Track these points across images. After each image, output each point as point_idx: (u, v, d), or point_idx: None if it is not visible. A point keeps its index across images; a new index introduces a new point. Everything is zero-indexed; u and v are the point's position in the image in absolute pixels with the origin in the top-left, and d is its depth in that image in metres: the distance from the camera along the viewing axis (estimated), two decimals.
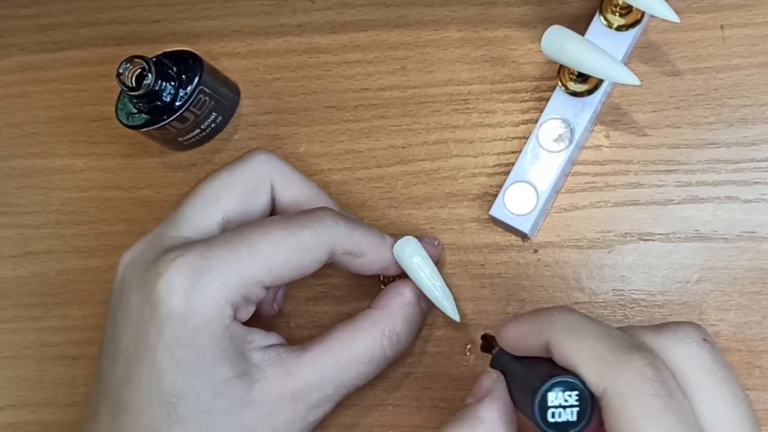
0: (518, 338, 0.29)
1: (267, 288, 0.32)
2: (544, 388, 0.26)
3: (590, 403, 0.26)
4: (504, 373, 0.30)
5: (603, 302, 0.37)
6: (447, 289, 0.36)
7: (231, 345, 0.31)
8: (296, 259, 0.32)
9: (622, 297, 0.37)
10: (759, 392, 0.35)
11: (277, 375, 0.32)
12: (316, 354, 0.33)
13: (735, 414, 0.26)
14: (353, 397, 0.38)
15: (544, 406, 0.26)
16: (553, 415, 0.26)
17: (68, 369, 0.41)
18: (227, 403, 0.31)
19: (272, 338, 0.34)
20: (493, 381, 0.30)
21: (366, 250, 0.34)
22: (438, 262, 0.38)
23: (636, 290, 0.37)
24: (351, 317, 0.35)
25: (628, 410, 0.24)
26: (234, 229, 0.33)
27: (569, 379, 0.26)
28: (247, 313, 0.33)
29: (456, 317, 0.35)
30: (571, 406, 0.26)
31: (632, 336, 0.27)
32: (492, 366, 0.32)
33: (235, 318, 0.32)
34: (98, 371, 0.33)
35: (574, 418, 0.27)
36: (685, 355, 0.26)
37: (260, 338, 0.33)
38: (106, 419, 0.32)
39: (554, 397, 0.26)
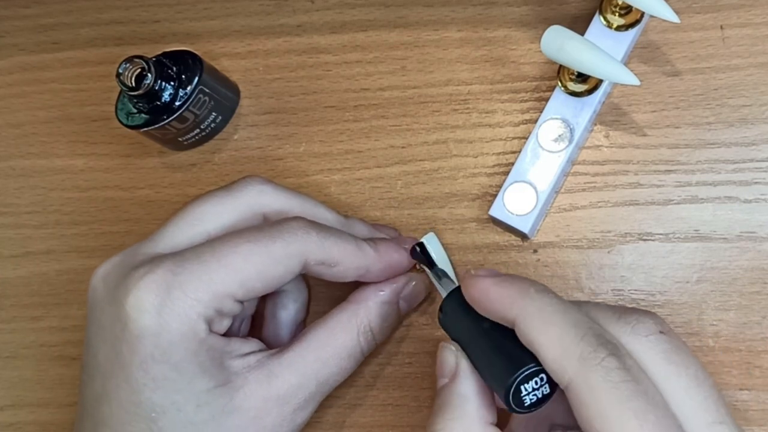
0: (486, 300, 0.29)
1: (241, 302, 0.32)
2: (515, 382, 0.27)
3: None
4: (458, 333, 0.31)
5: (603, 302, 0.37)
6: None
7: (208, 357, 0.31)
8: (267, 272, 0.32)
9: (621, 297, 0.37)
10: (759, 392, 0.35)
11: (259, 379, 0.32)
12: (297, 353, 0.33)
13: (697, 396, 0.27)
14: (352, 397, 0.38)
15: (518, 396, 0.27)
16: (528, 400, 0.27)
17: (68, 369, 0.41)
18: (210, 412, 0.31)
19: (251, 345, 0.33)
20: (455, 356, 0.30)
21: (340, 259, 0.33)
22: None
23: (635, 290, 0.37)
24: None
25: (597, 399, 0.25)
26: (204, 243, 0.32)
27: (537, 368, 0.27)
28: (222, 326, 0.32)
29: None
30: (542, 384, 0.27)
31: (594, 322, 0.27)
32: (441, 319, 0.32)
33: (211, 331, 0.31)
34: (80, 386, 0.33)
35: (548, 391, 0.28)
36: (643, 348, 0.27)
37: (239, 347, 0.33)
38: None
39: (526, 388, 0.27)
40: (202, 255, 0.31)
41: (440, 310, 0.32)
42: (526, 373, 0.27)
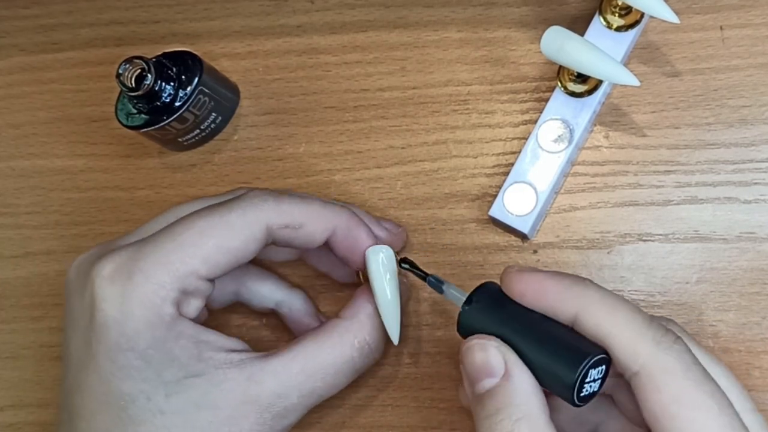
0: (539, 294, 0.28)
1: (210, 280, 0.32)
2: (586, 366, 0.26)
3: (607, 372, 0.28)
4: (494, 329, 0.29)
5: None
6: (398, 309, 0.35)
7: (179, 344, 0.31)
8: (227, 243, 0.32)
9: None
10: (759, 393, 0.35)
11: (238, 380, 0.31)
12: (282, 362, 0.32)
13: (736, 385, 0.28)
14: (352, 397, 0.38)
15: (581, 384, 0.27)
16: (586, 390, 0.27)
17: None
18: (181, 403, 0.30)
19: (234, 343, 0.33)
20: (502, 353, 0.28)
21: (304, 220, 0.33)
22: (403, 248, 0.38)
23: (635, 291, 0.37)
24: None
25: (673, 382, 0.25)
26: (163, 228, 0.32)
27: (606, 356, 0.27)
28: (192, 308, 0.32)
29: (395, 341, 0.35)
30: (599, 378, 0.27)
31: None
32: (463, 319, 0.30)
33: (181, 315, 0.31)
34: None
35: (597, 388, 0.28)
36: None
37: (219, 340, 0.32)
38: (64, 426, 0.32)
39: (591, 375, 0.27)
40: (159, 238, 0.31)
41: (466, 303, 0.30)
42: (596, 358, 0.26)
